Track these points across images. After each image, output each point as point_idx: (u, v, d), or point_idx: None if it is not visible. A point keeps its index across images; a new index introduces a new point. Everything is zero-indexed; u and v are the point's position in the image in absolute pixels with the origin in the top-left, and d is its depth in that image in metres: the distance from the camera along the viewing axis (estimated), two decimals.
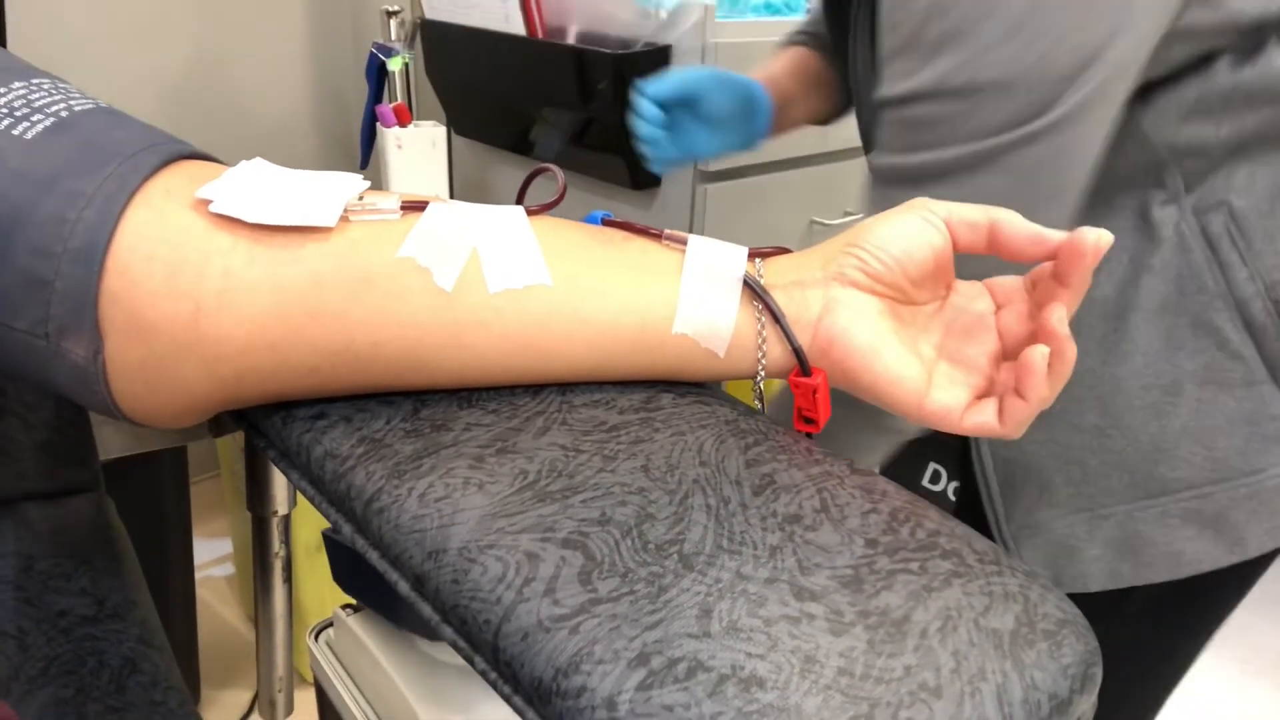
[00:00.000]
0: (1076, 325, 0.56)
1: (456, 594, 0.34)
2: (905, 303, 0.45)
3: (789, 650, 0.30)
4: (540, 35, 1.24)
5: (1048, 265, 0.44)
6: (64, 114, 0.38)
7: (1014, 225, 0.43)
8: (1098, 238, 0.41)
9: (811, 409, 0.45)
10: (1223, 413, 0.68)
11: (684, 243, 0.44)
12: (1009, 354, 0.45)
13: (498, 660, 0.33)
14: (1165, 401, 0.68)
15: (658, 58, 1.16)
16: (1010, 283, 0.46)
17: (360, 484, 0.39)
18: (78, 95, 0.40)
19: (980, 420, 0.43)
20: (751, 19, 1.20)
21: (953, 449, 0.87)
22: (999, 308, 0.46)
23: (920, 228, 0.44)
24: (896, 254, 0.43)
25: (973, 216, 0.44)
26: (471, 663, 0.35)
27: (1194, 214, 0.65)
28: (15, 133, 0.36)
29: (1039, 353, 0.41)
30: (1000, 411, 0.43)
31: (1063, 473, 0.73)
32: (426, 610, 0.36)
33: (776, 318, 0.43)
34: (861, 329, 0.43)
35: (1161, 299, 0.67)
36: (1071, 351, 0.41)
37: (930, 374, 0.44)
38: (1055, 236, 0.42)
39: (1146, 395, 0.68)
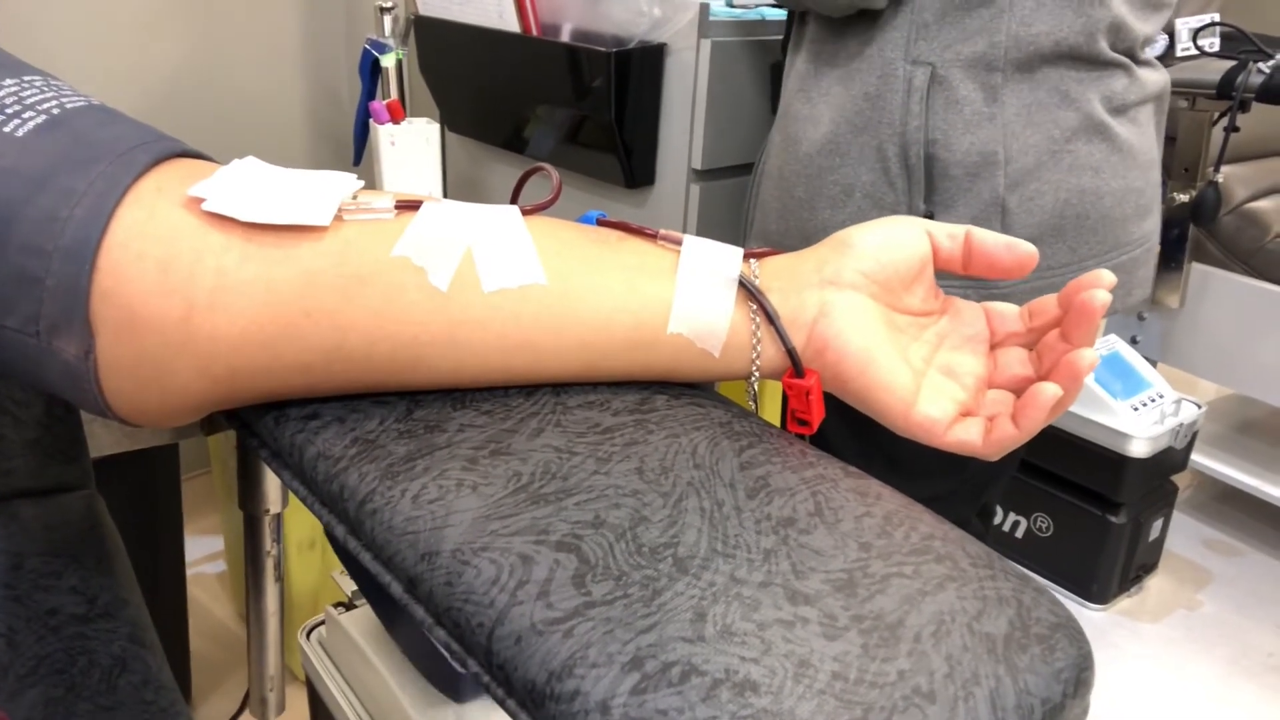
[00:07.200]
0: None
1: (450, 596, 0.34)
2: (897, 309, 0.45)
3: (783, 654, 0.30)
4: (534, 33, 1.24)
5: (1050, 299, 0.45)
6: (56, 111, 0.38)
7: (988, 234, 0.45)
8: (1107, 294, 0.42)
9: (805, 410, 0.45)
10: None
11: (679, 243, 0.44)
12: (997, 384, 0.46)
13: (491, 664, 0.33)
14: (841, 196, 0.88)
15: (653, 56, 1.16)
16: (1008, 310, 0.47)
17: (353, 485, 0.39)
18: (70, 92, 0.40)
19: (964, 437, 0.44)
20: (748, 17, 1.20)
21: None
22: (994, 336, 0.47)
23: (907, 232, 0.45)
24: (886, 259, 0.44)
25: (950, 228, 0.46)
26: (465, 666, 0.34)
27: (909, 63, 0.83)
28: (6, 130, 0.36)
29: (1051, 390, 0.41)
30: (987, 432, 0.43)
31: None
32: (419, 613, 0.36)
33: (771, 318, 0.43)
34: (856, 333, 0.43)
35: (866, 120, 0.86)
36: (1075, 397, 0.42)
37: (918, 385, 0.44)
38: (1026, 247, 0.44)
39: (833, 188, 0.88)
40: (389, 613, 0.91)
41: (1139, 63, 0.87)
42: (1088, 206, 0.85)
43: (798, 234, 0.93)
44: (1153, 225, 0.93)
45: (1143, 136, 0.89)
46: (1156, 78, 0.90)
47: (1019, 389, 0.44)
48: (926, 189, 0.85)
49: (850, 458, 0.42)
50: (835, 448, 0.44)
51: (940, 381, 0.45)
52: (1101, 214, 0.86)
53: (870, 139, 0.86)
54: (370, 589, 0.91)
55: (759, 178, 1.02)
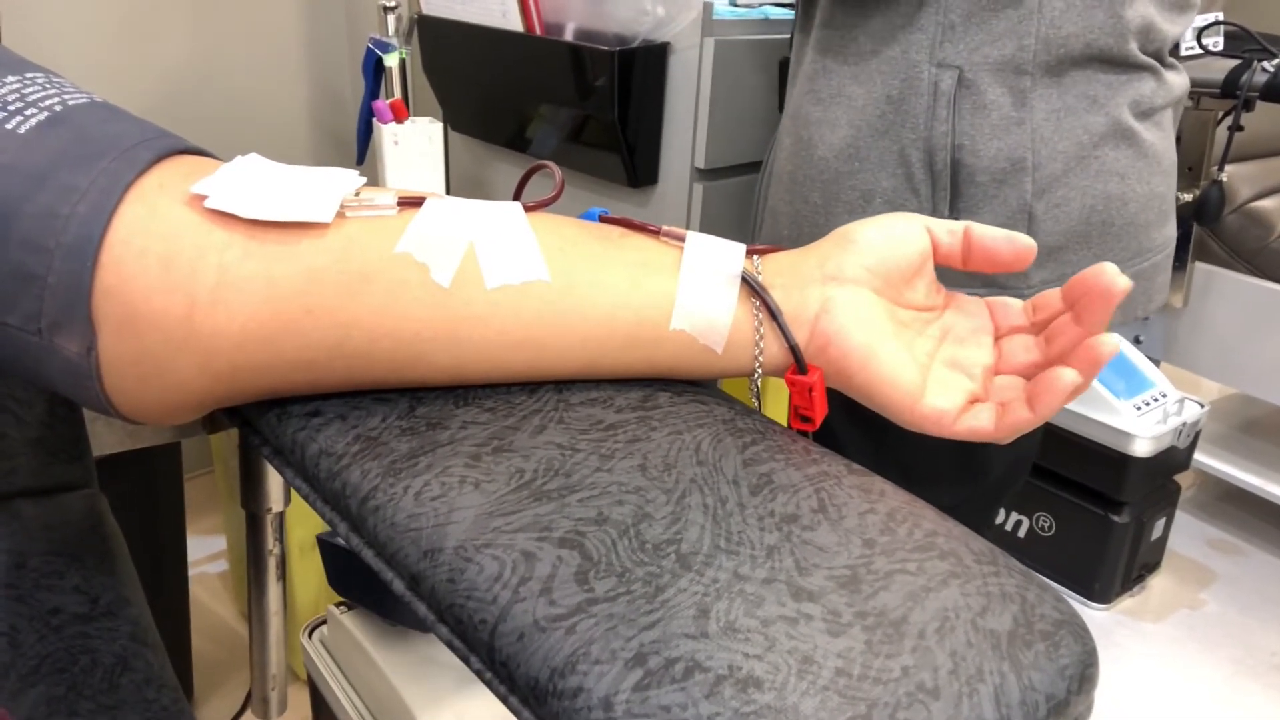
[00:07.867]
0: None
1: (452, 593, 0.34)
2: (900, 304, 0.45)
3: (786, 651, 0.30)
4: (538, 32, 1.24)
5: (1054, 293, 0.45)
6: (58, 108, 0.38)
7: (987, 229, 0.45)
8: (1128, 279, 0.41)
9: (808, 407, 0.44)
10: None
11: (682, 239, 0.44)
12: (1004, 372, 0.46)
13: (493, 660, 0.33)
14: (860, 203, 0.86)
15: (656, 55, 1.16)
16: (1012, 304, 0.47)
17: (355, 482, 0.39)
18: (72, 89, 0.40)
19: (975, 424, 0.43)
20: (752, 16, 1.20)
21: None
22: (998, 330, 0.47)
23: (907, 227, 0.45)
24: (888, 253, 0.44)
25: (950, 224, 0.46)
26: (467, 663, 0.34)
27: (935, 66, 0.81)
28: (9, 127, 0.36)
29: (1069, 375, 0.41)
30: (999, 417, 0.43)
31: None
32: (422, 609, 0.36)
33: (774, 315, 0.43)
34: (859, 328, 0.43)
35: (888, 124, 0.83)
36: (1090, 382, 0.42)
37: (924, 378, 0.44)
38: (1025, 240, 0.44)
39: (851, 194, 0.86)
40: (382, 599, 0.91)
41: (1166, 65, 0.86)
42: (1113, 213, 0.84)
43: (811, 241, 0.90)
44: (1172, 230, 0.91)
45: (1165, 140, 0.87)
46: (1180, 80, 0.88)
47: (1027, 375, 0.44)
48: (952, 195, 0.83)
49: (862, 464, 0.42)
50: (847, 453, 0.44)
51: (947, 374, 0.45)
52: (1127, 220, 0.84)
53: (892, 143, 0.83)
54: (344, 568, 0.91)
55: (767, 182, 0.99)
